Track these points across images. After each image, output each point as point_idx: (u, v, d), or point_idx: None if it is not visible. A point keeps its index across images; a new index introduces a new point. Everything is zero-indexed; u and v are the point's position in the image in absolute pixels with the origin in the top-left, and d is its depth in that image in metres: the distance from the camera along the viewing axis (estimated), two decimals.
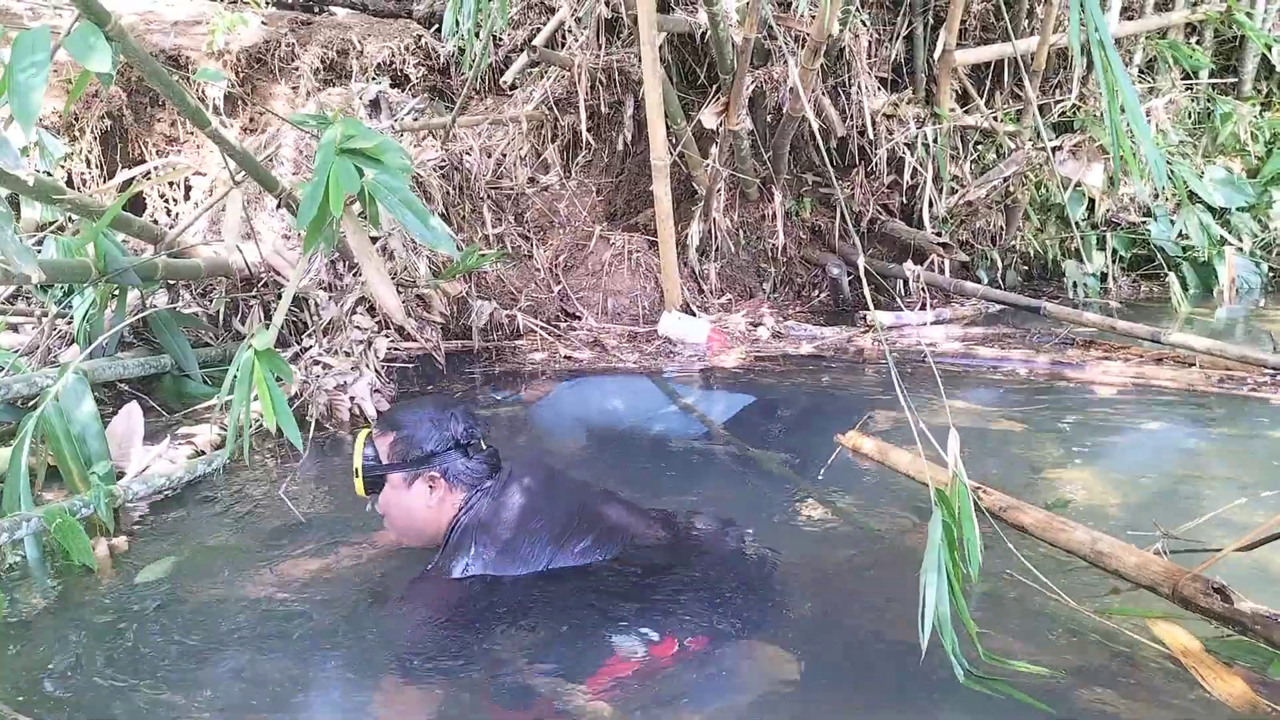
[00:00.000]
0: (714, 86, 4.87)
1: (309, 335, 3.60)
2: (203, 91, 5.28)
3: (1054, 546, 2.12)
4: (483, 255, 4.23)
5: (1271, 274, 5.55)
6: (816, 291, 5.39)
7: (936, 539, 1.55)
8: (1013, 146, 5.17)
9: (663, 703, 1.67)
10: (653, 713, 1.64)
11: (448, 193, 4.52)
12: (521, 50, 5.39)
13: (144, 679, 1.77)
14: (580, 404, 3.64)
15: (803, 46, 4.26)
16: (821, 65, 4.65)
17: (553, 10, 5.26)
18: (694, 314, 4.67)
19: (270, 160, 4.21)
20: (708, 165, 4.77)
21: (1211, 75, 5.77)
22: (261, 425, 3.10)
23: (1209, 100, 5.63)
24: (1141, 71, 5.60)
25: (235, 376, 2.14)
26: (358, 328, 3.52)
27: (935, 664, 1.62)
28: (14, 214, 1.77)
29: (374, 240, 3.68)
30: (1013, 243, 5.44)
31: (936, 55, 4.98)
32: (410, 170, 2.54)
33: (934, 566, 1.53)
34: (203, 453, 2.89)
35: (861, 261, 1.94)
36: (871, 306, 1.93)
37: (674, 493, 2.69)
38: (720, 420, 3.32)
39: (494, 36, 5.22)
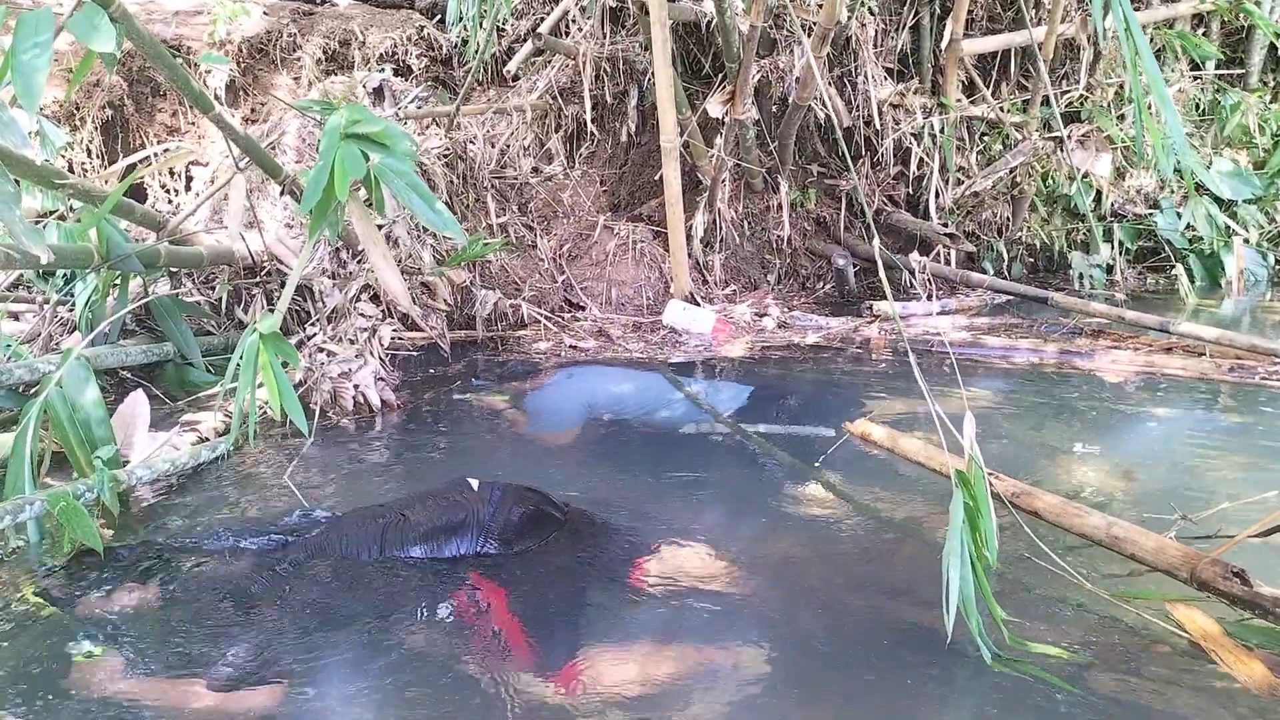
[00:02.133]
0: (719, 76, 4.84)
1: (312, 324, 3.57)
2: (204, 81, 5.25)
3: (1068, 532, 2.10)
4: (487, 244, 4.21)
5: (1278, 266, 5.52)
6: (821, 283, 5.36)
7: (958, 521, 1.53)
8: (1019, 137, 5.14)
9: (676, 693, 1.65)
10: (668, 703, 1.62)
11: (452, 181, 4.49)
12: (525, 40, 5.36)
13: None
14: (586, 392, 3.61)
15: (809, 34, 4.23)
16: (828, 54, 4.62)
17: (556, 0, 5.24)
18: (699, 304, 4.64)
19: (273, 148, 4.18)
20: (712, 155, 4.74)
21: (1217, 67, 5.74)
22: (267, 413, 3.09)
23: (1216, 91, 5.60)
24: (1143, 67, 5.56)
25: (240, 361, 2.12)
26: (362, 315, 3.50)
27: (954, 646, 1.60)
28: (20, 195, 1.74)
29: (378, 228, 3.65)
30: (1019, 234, 5.41)
31: (943, 45, 4.95)
32: (416, 155, 2.52)
33: (956, 549, 1.51)
34: (207, 440, 2.87)
35: (876, 244, 1.91)
36: (890, 294, 1.91)
37: (682, 480, 2.67)
38: (727, 409, 3.29)
39: (497, 26, 5.19)
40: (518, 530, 2.15)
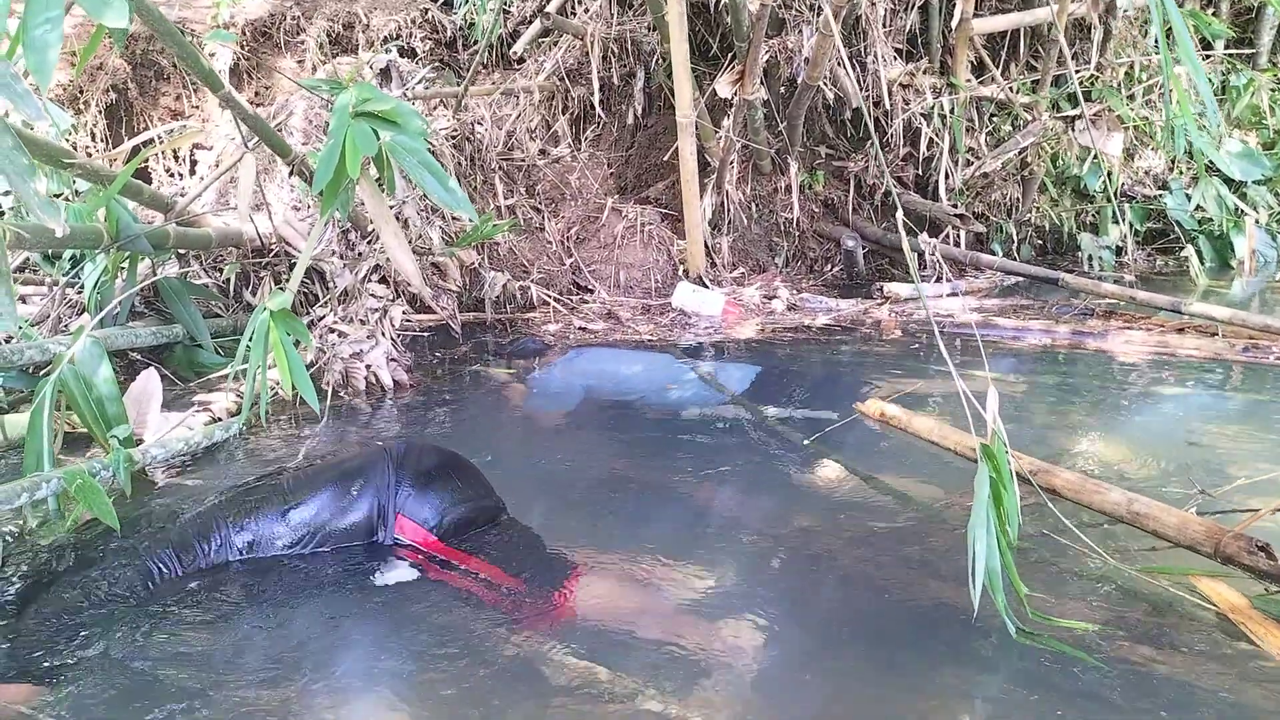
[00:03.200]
0: (728, 57, 4.81)
1: (322, 305, 3.56)
2: (208, 64, 5.22)
3: (1088, 508, 2.09)
4: (495, 225, 4.19)
5: None
6: (829, 265, 5.34)
7: (983, 495, 1.52)
8: (1029, 118, 5.10)
9: (692, 667, 1.64)
10: (691, 679, 1.61)
11: (459, 163, 4.47)
12: (531, 21, 5.32)
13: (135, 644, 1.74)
14: (596, 372, 3.60)
15: (820, 13, 4.19)
16: (838, 34, 4.58)
17: None
18: (707, 287, 4.62)
19: (280, 129, 4.15)
20: (721, 136, 4.71)
21: (1227, 46, 5.69)
22: (278, 394, 3.08)
23: (1226, 71, 5.56)
24: (1158, 41, 5.52)
25: (250, 340, 2.10)
26: (373, 295, 3.48)
27: (978, 621, 1.60)
28: (35, 169, 1.72)
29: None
30: (1028, 216, 5.38)
31: (953, 24, 4.91)
32: (427, 133, 2.49)
33: (981, 522, 1.50)
34: (219, 419, 2.86)
35: (899, 216, 1.88)
36: (915, 271, 1.89)
37: (694, 458, 2.66)
38: (737, 389, 3.28)
39: (503, 7, 5.16)
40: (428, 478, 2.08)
